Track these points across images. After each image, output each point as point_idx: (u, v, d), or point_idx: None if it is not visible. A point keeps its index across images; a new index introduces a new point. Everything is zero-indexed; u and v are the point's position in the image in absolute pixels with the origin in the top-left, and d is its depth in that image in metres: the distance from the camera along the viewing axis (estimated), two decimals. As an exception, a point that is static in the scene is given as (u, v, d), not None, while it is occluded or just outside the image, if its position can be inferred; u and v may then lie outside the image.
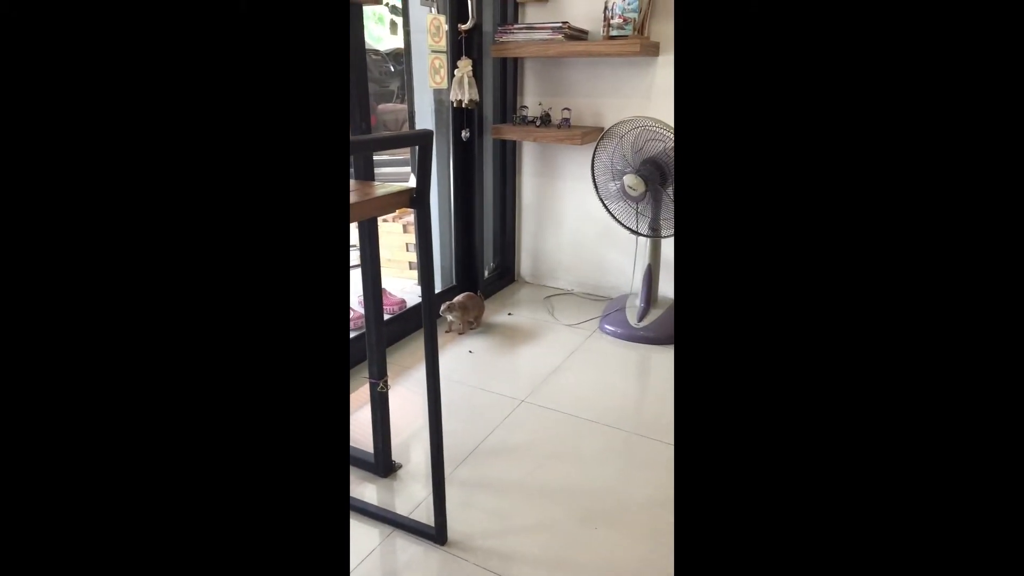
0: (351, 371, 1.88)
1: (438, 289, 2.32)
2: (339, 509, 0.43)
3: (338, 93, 0.40)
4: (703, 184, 0.38)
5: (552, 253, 2.61)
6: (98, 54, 0.36)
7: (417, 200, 1.03)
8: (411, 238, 2.65)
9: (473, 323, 2.04)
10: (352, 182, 1.09)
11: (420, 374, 1.88)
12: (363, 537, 1.25)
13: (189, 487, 0.39)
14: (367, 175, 1.29)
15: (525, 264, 2.70)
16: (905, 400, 0.36)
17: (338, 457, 0.43)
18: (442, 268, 2.38)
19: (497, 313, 2.36)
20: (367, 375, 1.38)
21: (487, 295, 2.53)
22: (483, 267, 2.48)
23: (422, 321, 1.10)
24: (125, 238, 0.37)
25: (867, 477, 0.37)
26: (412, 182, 1.03)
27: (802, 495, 0.38)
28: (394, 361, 1.94)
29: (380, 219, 2.52)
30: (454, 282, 2.41)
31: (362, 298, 1.35)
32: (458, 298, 2.06)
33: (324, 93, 0.40)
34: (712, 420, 0.40)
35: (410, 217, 2.72)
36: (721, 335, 0.39)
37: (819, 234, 0.36)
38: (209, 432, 0.39)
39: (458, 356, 2.01)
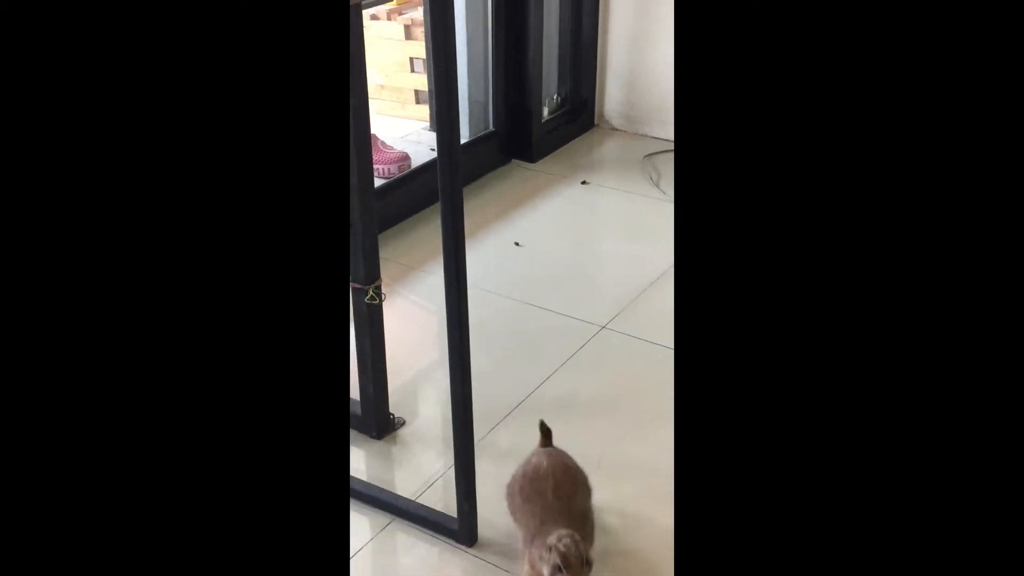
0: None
1: (465, 137, 2.35)
2: (338, 488, 0.62)
3: (338, 91, 0.62)
4: (704, 191, 0.59)
5: (658, 80, 2.56)
6: (97, 50, 0.55)
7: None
8: (418, 48, 2.62)
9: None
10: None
11: (435, 278, 1.83)
12: (350, 527, 1.32)
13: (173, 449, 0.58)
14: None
15: (612, 98, 2.68)
16: (904, 410, 0.58)
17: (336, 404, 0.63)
18: (471, 102, 2.41)
19: (564, 181, 2.38)
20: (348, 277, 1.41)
21: (546, 149, 2.53)
22: (540, 102, 2.49)
23: (439, 190, 1.12)
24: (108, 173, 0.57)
25: (868, 481, 0.58)
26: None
27: (805, 496, 0.59)
28: (392, 255, 1.98)
29: (367, 14, 2.43)
30: (491, 126, 2.46)
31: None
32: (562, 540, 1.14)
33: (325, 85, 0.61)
34: (715, 419, 0.60)
35: (416, 11, 2.65)
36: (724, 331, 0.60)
37: (820, 233, 0.58)
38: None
39: (498, 249, 2.05)
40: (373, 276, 1.40)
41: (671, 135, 2.58)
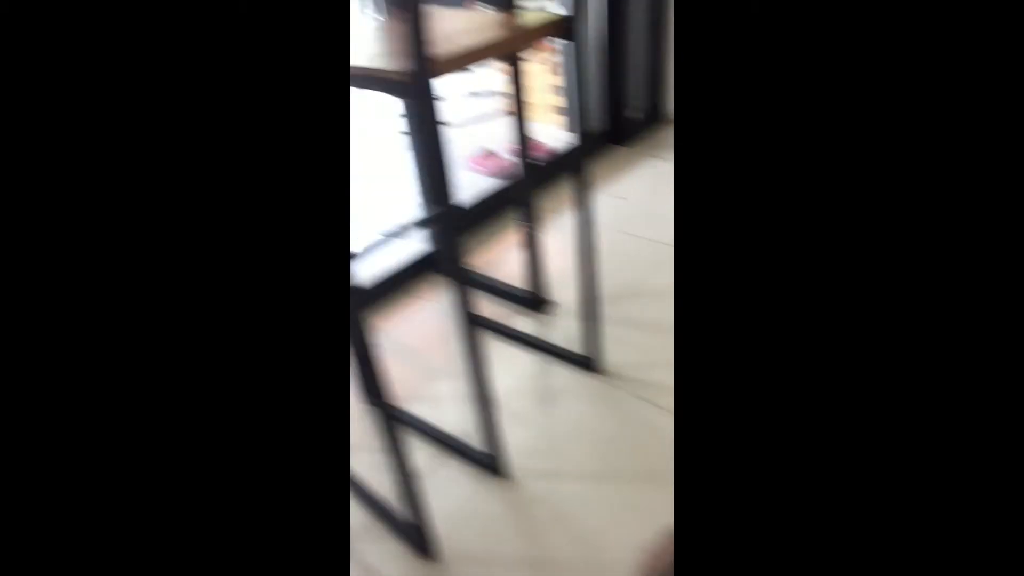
0: (503, 216, 1.93)
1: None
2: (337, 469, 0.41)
3: (339, 88, 0.40)
4: (705, 194, 0.40)
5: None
6: (97, 46, 0.37)
7: (570, 29, 0.95)
8: (554, 80, 2.53)
9: None
10: (493, 14, 1.02)
11: (570, 219, 1.91)
12: (520, 362, 1.36)
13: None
14: (507, 4, 1.13)
15: (669, 105, 2.50)
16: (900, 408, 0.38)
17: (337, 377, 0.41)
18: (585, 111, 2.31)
19: (645, 157, 2.27)
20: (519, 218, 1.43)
21: (634, 139, 2.42)
22: (632, 109, 2.37)
23: (572, 165, 1.11)
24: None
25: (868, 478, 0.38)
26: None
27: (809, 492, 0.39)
28: (543, 206, 1.96)
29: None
30: (596, 126, 2.35)
31: (512, 144, 1.35)
32: None
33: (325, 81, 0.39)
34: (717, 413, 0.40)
35: (552, 57, 2.58)
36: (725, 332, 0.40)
37: (822, 235, 0.38)
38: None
39: (608, 203, 2.00)
40: (533, 219, 1.40)
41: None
